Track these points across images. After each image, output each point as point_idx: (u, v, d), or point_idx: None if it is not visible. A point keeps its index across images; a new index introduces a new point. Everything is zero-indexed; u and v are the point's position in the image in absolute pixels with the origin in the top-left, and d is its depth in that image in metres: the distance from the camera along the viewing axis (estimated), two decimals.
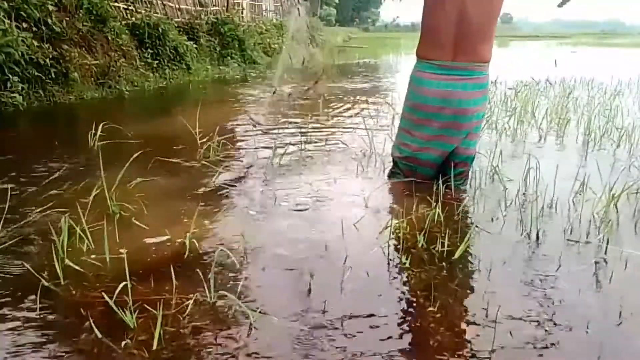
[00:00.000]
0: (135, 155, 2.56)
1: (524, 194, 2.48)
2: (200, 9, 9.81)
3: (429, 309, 1.51)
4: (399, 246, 1.92)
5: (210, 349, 1.32)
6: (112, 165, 2.48)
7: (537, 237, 2.00)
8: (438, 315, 1.48)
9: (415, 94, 2.51)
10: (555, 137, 3.77)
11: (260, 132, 3.97)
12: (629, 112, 4.63)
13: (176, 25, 8.20)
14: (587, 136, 3.59)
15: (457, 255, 1.84)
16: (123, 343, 1.32)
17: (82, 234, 1.85)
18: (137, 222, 2.07)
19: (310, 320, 1.45)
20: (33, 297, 1.51)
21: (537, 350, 1.34)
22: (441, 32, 2.39)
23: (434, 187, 2.47)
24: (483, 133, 3.77)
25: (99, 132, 3.29)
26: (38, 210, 2.17)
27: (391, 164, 2.82)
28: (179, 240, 1.91)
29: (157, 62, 7.03)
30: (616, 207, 2.19)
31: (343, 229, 2.05)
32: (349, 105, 5.43)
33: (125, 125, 3.53)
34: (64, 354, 1.31)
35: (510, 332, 1.40)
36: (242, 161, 3.15)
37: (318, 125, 4.25)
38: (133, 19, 7.29)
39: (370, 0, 46.45)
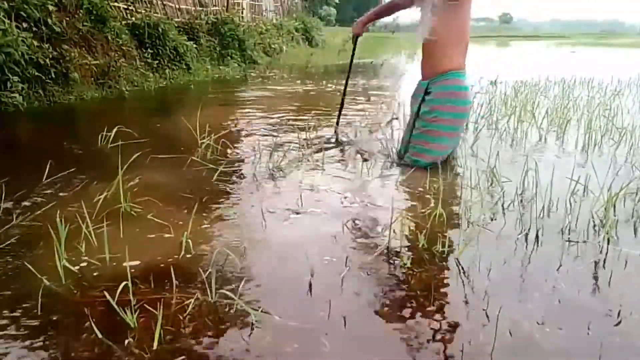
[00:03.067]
0: (135, 156, 2.56)
1: (523, 194, 2.48)
2: (200, 9, 9.81)
3: (429, 309, 1.51)
4: (399, 246, 1.92)
5: (211, 349, 1.32)
6: (111, 165, 2.48)
7: (537, 237, 2.00)
8: (438, 315, 1.48)
9: (466, 100, 2.93)
10: (555, 137, 3.77)
11: (260, 131, 3.97)
12: (629, 112, 4.63)
13: (176, 25, 8.21)
14: (587, 136, 3.59)
15: (457, 255, 1.84)
16: (125, 342, 1.33)
17: (85, 233, 1.85)
18: (138, 222, 2.07)
19: (311, 319, 1.45)
20: (34, 297, 1.51)
21: (537, 350, 1.34)
22: (467, 45, 2.90)
23: (435, 186, 2.47)
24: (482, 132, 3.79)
25: (112, 133, 3.29)
26: (39, 210, 2.17)
27: (386, 162, 2.89)
28: (179, 240, 1.91)
29: (157, 62, 7.03)
30: (614, 207, 2.19)
31: (344, 229, 2.05)
32: (349, 104, 5.43)
33: (125, 125, 3.52)
34: (64, 354, 1.31)
35: (510, 332, 1.40)
36: (242, 160, 3.15)
37: (317, 125, 4.25)
38: (133, 19, 7.30)
39: (370, 1, 46.54)
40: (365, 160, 3.11)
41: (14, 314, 1.46)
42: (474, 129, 3.88)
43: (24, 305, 1.50)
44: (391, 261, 1.82)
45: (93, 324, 1.37)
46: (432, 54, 2.89)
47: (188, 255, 1.82)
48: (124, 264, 1.56)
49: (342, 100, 4.02)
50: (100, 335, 1.34)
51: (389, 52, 13.98)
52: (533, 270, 1.77)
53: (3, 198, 2.24)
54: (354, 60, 4.02)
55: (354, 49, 3.85)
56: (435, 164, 2.75)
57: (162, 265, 1.75)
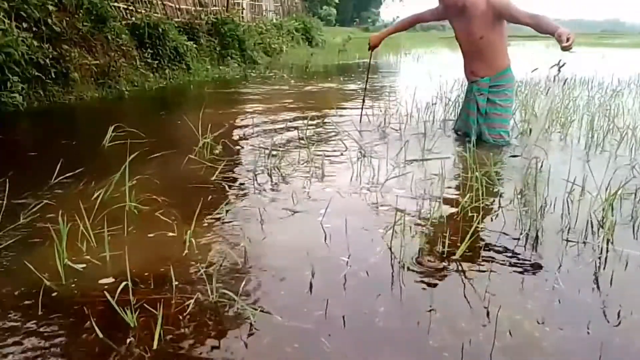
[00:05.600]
0: (134, 155, 2.55)
1: (522, 193, 2.47)
2: (200, 9, 9.81)
3: (429, 309, 1.51)
4: (399, 246, 1.92)
5: (211, 349, 1.33)
6: (111, 165, 2.48)
7: (537, 237, 2.00)
8: (438, 315, 1.48)
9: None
10: (555, 136, 3.77)
11: (260, 130, 3.97)
12: (629, 111, 4.63)
13: (176, 25, 8.20)
14: (588, 136, 3.59)
15: (457, 255, 1.84)
16: (127, 342, 1.33)
17: (86, 233, 1.86)
18: (138, 221, 2.07)
19: (311, 319, 1.45)
20: (34, 296, 1.51)
21: (537, 350, 1.34)
22: None
23: (435, 187, 2.47)
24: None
25: (112, 133, 3.30)
26: (39, 209, 2.17)
27: (387, 162, 2.86)
28: (180, 239, 1.91)
29: (157, 62, 7.03)
30: (612, 207, 2.18)
31: (345, 228, 2.05)
32: (349, 105, 5.43)
33: (125, 125, 3.53)
34: (64, 353, 1.31)
35: (510, 332, 1.40)
36: (242, 160, 3.15)
37: (317, 125, 4.25)
38: (133, 19, 7.29)
39: (370, 0, 46.46)
40: (363, 156, 3.11)
41: (14, 313, 1.46)
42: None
43: (24, 305, 1.50)
44: (392, 261, 1.82)
45: (93, 324, 1.37)
46: (487, 55, 3.46)
47: (188, 255, 1.83)
48: (125, 263, 1.55)
49: (363, 100, 4.46)
50: (100, 335, 1.34)
51: (390, 52, 13.98)
52: (533, 270, 1.77)
53: (3, 198, 2.23)
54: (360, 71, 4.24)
55: (370, 59, 4.41)
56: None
57: (162, 264, 1.74)
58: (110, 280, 1.64)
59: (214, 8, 10.41)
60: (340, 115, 4.73)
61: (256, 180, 2.74)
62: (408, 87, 5.18)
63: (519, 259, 1.85)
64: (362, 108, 4.36)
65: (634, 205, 2.29)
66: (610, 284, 1.68)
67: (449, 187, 2.62)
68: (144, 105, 5.78)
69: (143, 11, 7.74)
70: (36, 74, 4.87)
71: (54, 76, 5.08)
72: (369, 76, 4.63)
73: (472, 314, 1.49)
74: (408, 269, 1.76)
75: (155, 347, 1.31)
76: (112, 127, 3.35)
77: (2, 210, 2.10)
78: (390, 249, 1.89)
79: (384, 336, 1.39)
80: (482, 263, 1.79)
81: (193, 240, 1.89)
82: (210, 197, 2.45)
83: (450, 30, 3.76)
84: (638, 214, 2.21)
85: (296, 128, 4.07)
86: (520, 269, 1.78)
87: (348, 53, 12.75)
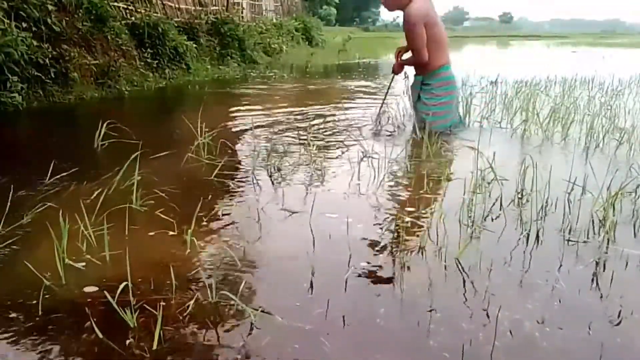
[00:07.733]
0: (136, 154, 2.56)
1: (523, 193, 2.47)
2: (200, 8, 9.80)
3: (429, 309, 1.51)
4: (399, 246, 1.92)
5: (211, 349, 1.32)
6: (111, 164, 2.48)
7: (537, 237, 2.00)
8: (438, 315, 1.48)
9: (455, 85, 3.98)
10: (556, 136, 3.77)
11: (260, 130, 3.97)
12: (629, 112, 4.63)
13: (176, 25, 8.20)
14: (589, 135, 3.59)
15: (457, 255, 1.84)
16: (127, 342, 1.32)
17: (86, 233, 1.85)
18: (136, 221, 2.07)
19: (311, 319, 1.45)
20: (34, 296, 1.51)
21: (537, 350, 1.34)
22: (445, 45, 3.82)
23: (435, 187, 2.46)
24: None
25: (102, 132, 3.29)
26: (39, 209, 2.17)
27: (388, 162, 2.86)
28: (180, 239, 1.91)
29: (156, 62, 7.03)
30: (613, 207, 2.18)
31: (346, 229, 2.05)
32: (349, 105, 5.44)
33: (125, 125, 3.53)
34: (64, 353, 1.31)
35: (510, 332, 1.40)
36: (242, 160, 3.15)
37: (318, 125, 4.25)
38: (133, 18, 7.29)
39: (370, 0, 46.51)
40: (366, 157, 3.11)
41: (14, 314, 1.46)
42: (471, 127, 3.87)
43: (24, 305, 1.50)
44: (392, 261, 1.81)
45: (93, 324, 1.37)
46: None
47: (188, 255, 1.82)
48: (125, 263, 1.55)
49: (382, 104, 4.41)
50: (100, 335, 1.34)
51: (389, 53, 13.97)
52: (533, 270, 1.77)
53: (4, 197, 2.23)
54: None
55: (390, 83, 4.49)
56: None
57: (162, 264, 1.74)
58: (108, 284, 1.63)
59: (214, 8, 10.40)
60: (341, 115, 4.73)
61: (256, 180, 2.73)
62: (408, 87, 5.17)
63: (519, 259, 1.85)
64: (380, 109, 4.28)
65: (634, 205, 2.29)
66: (611, 283, 1.68)
67: (449, 187, 2.62)
68: (144, 105, 5.78)
69: (143, 11, 7.74)
70: (36, 73, 4.87)
71: (53, 76, 5.08)
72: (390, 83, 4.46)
73: (472, 314, 1.49)
74: (408, 268, 1.76)
75: (155, 347, 1.30)
76: (105, 123, 3.35)
77: (5, 209, 2.09)
78: (390, 248, 1.89)
79: (384, 336, 1.39)
80: (482, 263, 1.79)
81: (194, 239, 1.88)
82: (210, 196, 2.44)
83: None
84: (638, 214, 2.21)
85: (296, 128, 4.06)
86: (520, 269, 1.78)
87: (348, 53, 12.75)
